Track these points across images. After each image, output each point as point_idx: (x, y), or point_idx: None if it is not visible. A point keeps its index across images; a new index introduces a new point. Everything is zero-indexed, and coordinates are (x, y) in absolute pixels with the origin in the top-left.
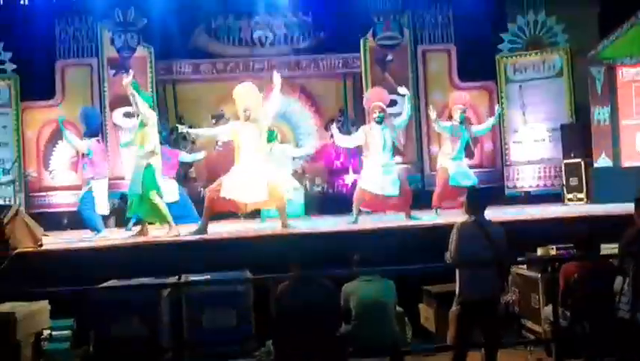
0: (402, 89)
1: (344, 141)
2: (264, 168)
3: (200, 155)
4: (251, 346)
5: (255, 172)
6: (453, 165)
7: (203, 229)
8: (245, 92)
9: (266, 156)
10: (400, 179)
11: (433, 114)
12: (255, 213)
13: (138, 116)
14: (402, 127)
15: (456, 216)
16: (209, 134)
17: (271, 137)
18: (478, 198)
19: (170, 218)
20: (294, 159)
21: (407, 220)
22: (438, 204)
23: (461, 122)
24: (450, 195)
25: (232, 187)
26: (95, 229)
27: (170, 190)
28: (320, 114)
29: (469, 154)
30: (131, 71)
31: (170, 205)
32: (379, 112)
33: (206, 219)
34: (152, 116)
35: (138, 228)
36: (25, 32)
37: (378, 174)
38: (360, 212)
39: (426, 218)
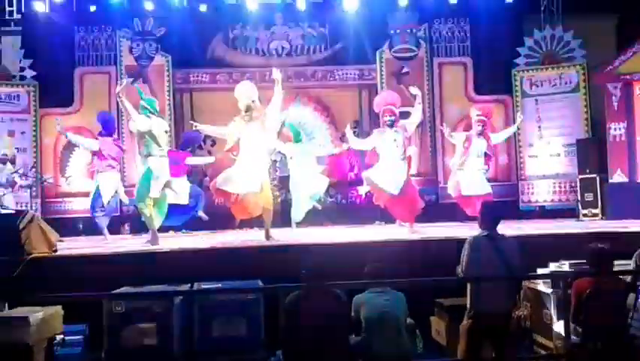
0: (414, 89)
1: (358, 144)
2: (262, 167)
3: (209, 159)
4: (261, 355)
5: (251, 167)
6: (464, 176)
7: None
8: (244, 91)
9: (266, 156)
10: (406, 183)
11: (446, 131)
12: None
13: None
14: (412, 129)
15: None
16: (217, 132)
17: (297, 138)
18: (492, 212)
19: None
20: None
21: (412, 232)
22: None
23: (480, 134)
24: (467, 206)
25: (226, 179)
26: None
27: (181, 191)
28: (335, 125)
29: (486, 164)
30: (127, 79)
31: (179, 207)
32: (390, 115)
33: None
34: (144, 123)
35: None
36: (45, 40)
37: (388, 172)
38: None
39: None
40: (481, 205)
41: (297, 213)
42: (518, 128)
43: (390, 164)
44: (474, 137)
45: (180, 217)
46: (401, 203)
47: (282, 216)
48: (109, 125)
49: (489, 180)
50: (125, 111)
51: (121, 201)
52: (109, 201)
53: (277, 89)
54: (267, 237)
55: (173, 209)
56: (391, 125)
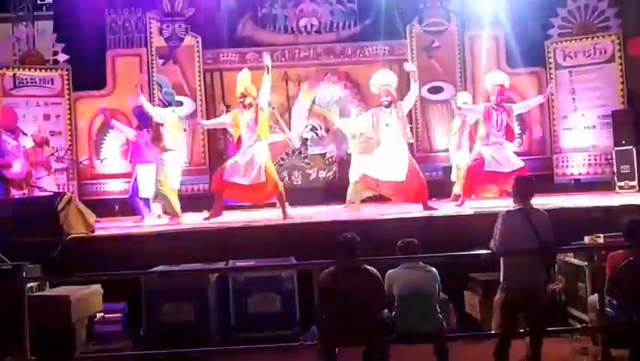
0: (408, 65)
1: (343, 124)
2: (260, 154)
3: None
4: (295, 331)
5: (251, 157)
6: (487, 151)
7: (215, 214)
8: (240, 79)
9: (264, 142)
10: (409, 166)
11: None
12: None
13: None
14: (407, 109)
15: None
16: (218, 122)
17: None
18: (525, 186)
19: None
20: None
21: (431, 210)
22: (468, 195)
23: (498, 105)
24: (483, 182)
25: (232, 171)
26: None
27: None
28: (365, 102)
29: (510, 137)
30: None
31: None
32: (386, 96)
33: (217, 205)
34: (163, 115)
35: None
36: (76, 24)
37: (386, 159)
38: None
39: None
40: (514, 180)
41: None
42: (552, 100)
43: (388, 149)
44: (491, 108)
45: None
46: (409, 188)
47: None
48: (144, 119)
49: (523, 155)
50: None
51: None
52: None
53: (266, 76)
54: (285, 216)
55: None
56: (387, 106)
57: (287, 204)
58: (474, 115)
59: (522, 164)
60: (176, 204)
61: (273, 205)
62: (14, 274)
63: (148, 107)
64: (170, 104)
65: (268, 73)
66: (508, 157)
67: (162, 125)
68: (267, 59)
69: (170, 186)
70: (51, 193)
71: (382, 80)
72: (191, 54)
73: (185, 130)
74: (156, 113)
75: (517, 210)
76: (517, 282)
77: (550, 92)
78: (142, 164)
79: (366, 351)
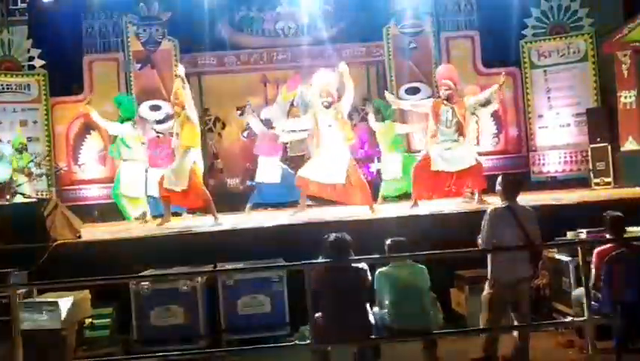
0: (341, 65)
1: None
2: (186, 162)
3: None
4: (285, 331)
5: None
6: (435, 149)
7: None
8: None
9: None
10: (349, 168)
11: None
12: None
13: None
14: (346, 110)
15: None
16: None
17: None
18: (511, 183)
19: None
20: None
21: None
22: (419, 197)
23: (447, 99)
24: (430, 182)
25: (167, 179)
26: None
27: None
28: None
29: (462, 133)
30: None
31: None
32: (326, 96)
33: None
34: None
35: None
36: (52, 29)
37: (326, 161)
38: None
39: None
40: (501, 177)
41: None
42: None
43: (328, 151)
44: (440, 104)
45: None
46: (349, 190)
47: None
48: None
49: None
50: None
51: None
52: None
53: (348, 83)
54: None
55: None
56: (328, 107)
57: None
58: (422, 111)
59: (473, 162)
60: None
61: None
62: (2, 281)
63: (103, 123)
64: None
65: (184, 83)
66: (458, 155)
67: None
68: (180, 70)
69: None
70: (36, 199)
71: (323, 80)
72: (169, 58)
73: (160, 135)
74: (112, 128)
75: (504, 207)
76: (504, 278)
77: (504, 79)
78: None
79: (358, 349)
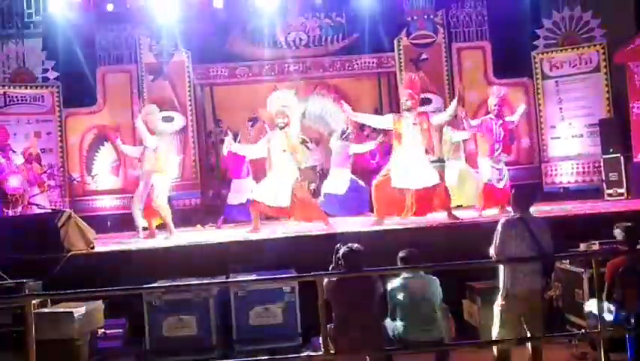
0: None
1: (242, 150)
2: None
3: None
4: (297, 343)
5: None
6: (397, 166)
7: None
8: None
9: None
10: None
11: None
12: None
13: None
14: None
15: None
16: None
17: None
18: (524, 194)
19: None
20: None
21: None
22: (380, 215)
23: (408, 110)
24: (389, 200)
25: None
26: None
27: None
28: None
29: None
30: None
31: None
32: (282, 118)
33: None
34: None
35: None
36: (66, 41)
37: (274, 183)
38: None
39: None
40: (514, 189)
41: None
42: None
43: (276, 174)
44: (401, 117)
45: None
46: (299, 209)
47: None
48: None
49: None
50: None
51: None
52: None
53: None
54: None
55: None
56: (283, 127)
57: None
58: (380, 126)
59: (436, 181)
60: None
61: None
62: (17, 291)
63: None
64: None
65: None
66: (420, 172)
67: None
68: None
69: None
70: (50, 210)
71: (279, 101)
72: (182, 69)
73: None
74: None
75: (517, 218)
76: (517, 289)
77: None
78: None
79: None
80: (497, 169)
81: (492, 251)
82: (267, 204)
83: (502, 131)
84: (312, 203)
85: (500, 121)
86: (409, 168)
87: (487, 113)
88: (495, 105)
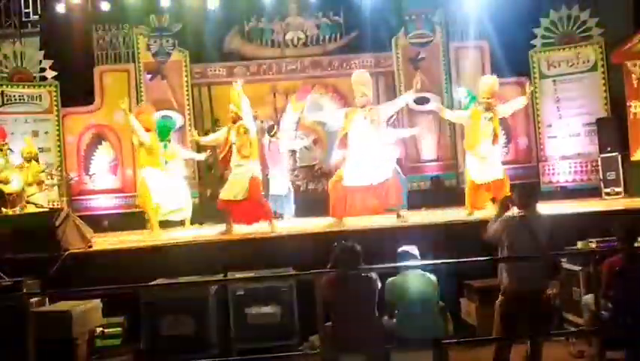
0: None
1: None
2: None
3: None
4: (295, 341)
5: None
6: (349, 162)
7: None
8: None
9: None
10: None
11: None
12: None
13: None
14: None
15: None
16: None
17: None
18: (528, 192)
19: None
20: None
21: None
22: (334, 214)
23: (362, 107)
24: (345, 199)
25: None
26: None
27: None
28: None
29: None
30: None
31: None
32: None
33: None
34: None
35: None
36: (64, 40)
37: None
38: None
39: None
40: (516, 187)
41: None
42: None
43: (235, 169)
44: (355, 112)
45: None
46: (251, 207)
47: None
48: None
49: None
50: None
51: None
52: None
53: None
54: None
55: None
56: (234, 121)
57: None
58: (335, 125)
59: (389, 175)
60: None
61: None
62: (15, 290)
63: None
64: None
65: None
66: (372, 168)
67: None
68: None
69: None
70: (48, 209)
71: (231, 95)
72: (179, 69)
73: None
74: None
75: (519, 216)
76: (516, 287)
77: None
78: None
79: (368, 358)
80: (486, 163)
81: (489, 231)
82: (229, 199)
83: (491, 125)
84: (260, 202)
85: (490, 114)
86: (362, 164)
87: None
88: (484, 98)
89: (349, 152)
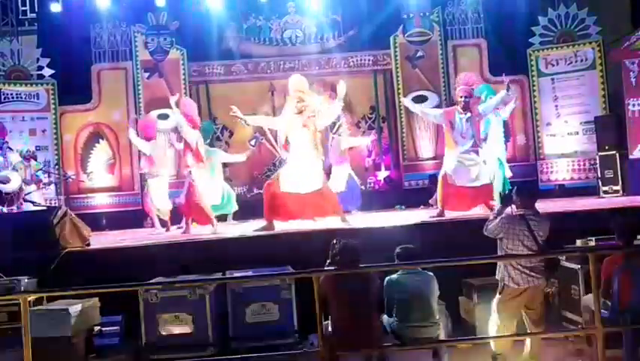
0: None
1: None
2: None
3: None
4: (293, 340)
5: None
6: (287, 168)
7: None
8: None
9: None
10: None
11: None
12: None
13: None
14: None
15: None
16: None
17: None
18: (527, 191)
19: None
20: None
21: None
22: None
23: (299, 112)
24: (278, 205)
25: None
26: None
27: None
28: (351, 112)
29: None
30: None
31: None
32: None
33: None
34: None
35: None
36: (61, 38)
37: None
38: None
39: None
40: (515, 187)
41: None
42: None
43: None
44: (292, 118)
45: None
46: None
47: None
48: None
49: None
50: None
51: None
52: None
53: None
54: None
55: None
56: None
57: None
58: (272, 127)
59: (319, 186)
60: None
61: None
62: (13, 289)
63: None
64: None
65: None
66: (307, 176)
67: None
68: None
69: None
70: (45, 207)
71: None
72: (177, 67)
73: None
74: None
75: (518, 215)
76: (516, 286)
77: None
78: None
79: (367, 357)
80: (467, 167)
81: (489, 225)
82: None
83: (471, 126)
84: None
85: (468, 114)
86: (298, 171)
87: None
88: (461, 97)
89: (289, 157)
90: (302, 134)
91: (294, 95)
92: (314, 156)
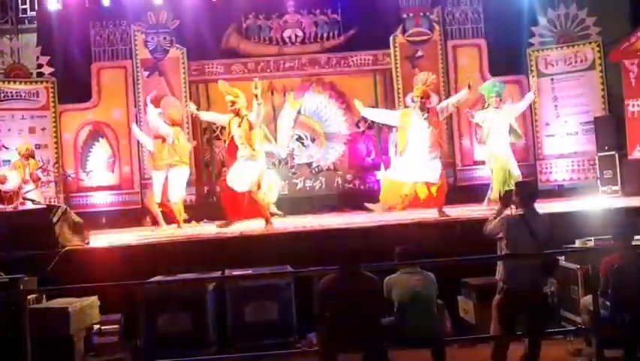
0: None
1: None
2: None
3: None
4: (293, 338)
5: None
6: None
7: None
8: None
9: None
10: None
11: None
12: None
13: None
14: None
15: None
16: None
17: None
18: (527, 190)
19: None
20: None
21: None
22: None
23: (237, 115)
24: (230, 203)
25: None
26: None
27: None
28: (350, 111)
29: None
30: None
31: None
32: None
33: None
34: None
35: None
36: (61, 37)
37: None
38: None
39: None
40: (515, 184)
41: None
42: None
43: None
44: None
45: None
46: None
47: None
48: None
49: None
50: None
51: None
52: None
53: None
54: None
55: None
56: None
57: None
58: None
59: (246, 188)
60: None
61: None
62: (13, 287)
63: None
64: None
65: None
66: (242, 175)
67: None
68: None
69: None
70: (45, 206)
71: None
72: (177, 66)
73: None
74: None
75: (518, 215)
76: (514, 285)
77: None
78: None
79: (365, 356)
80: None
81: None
82: None
83: (429, 126)
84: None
85: (425, 114)
86: (239, 170)
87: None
88: (417, 97)
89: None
90: (237, 136)
91: (228, 98)
92: (244, 158)
